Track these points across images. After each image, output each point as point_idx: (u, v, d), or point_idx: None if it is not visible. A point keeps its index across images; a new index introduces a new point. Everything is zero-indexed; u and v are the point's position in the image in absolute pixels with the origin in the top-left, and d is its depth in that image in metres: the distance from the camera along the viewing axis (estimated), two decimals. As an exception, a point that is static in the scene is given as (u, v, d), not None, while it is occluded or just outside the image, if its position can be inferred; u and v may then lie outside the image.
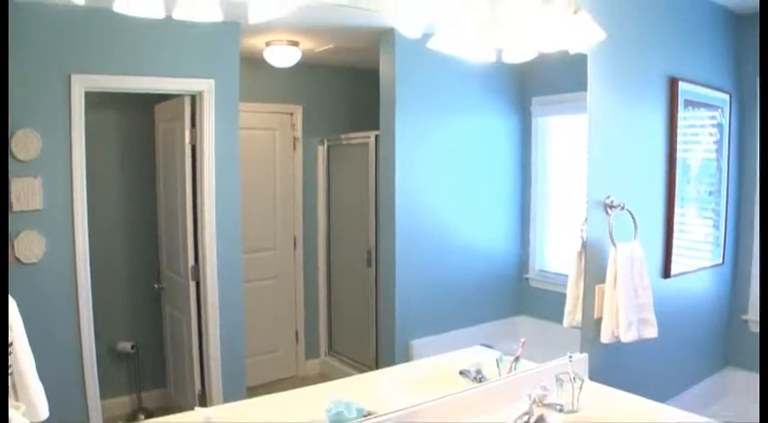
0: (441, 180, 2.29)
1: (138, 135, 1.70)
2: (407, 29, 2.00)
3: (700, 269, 3.55)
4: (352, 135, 2.15)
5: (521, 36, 2.10)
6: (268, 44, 1.86)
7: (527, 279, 2.68)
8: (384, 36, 2.06)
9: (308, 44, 1.94)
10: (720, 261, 3.72)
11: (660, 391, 3.21)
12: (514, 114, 2.55)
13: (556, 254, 2.73)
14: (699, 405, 3.51)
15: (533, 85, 2.60)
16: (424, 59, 2.08)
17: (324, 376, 2.03)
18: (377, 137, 2.14)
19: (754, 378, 3.76)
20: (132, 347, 1.66)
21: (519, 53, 2.23)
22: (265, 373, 1.93)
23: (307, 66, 1.95)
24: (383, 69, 2.11)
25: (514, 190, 2.59)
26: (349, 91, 2.15)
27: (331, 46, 2.03)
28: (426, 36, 2.01)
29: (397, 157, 2.12)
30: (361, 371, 2.10)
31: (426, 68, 2.17)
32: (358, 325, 2.20)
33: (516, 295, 2.66)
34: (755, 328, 3.85)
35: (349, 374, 2.06)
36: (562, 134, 2.74)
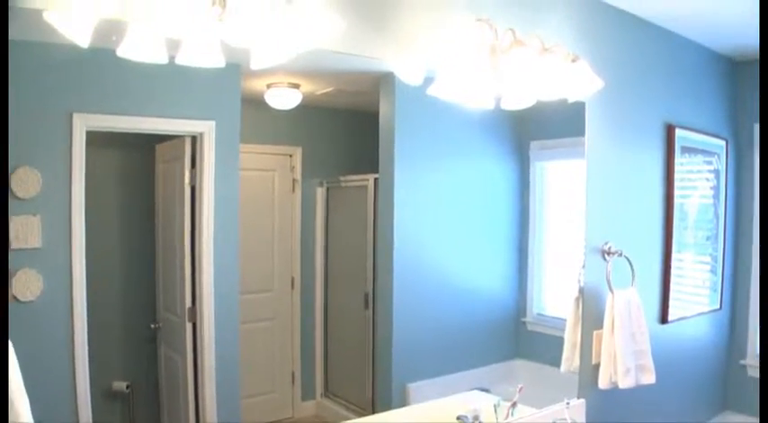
0: (439, 224, 2.30)
1: (139, 175, 1.71)
2: (407, 75, 2.04)
3: (697, 314, 3.56)
4: (351, 177, 2.17)
5: (520, 84, 2.11)
6: (269, 86, 1.89)
7: (524, 323, 2.68)
8: (384, 80, 2.08)
9: (308, 87, 1.97)
10: (718, 306, 3.73)
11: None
12: (513, 158, 2.58)
13: (553, 298, 2.74)
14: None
15: (532, 130, 2.63)
16: (424, 103, 2.10)
17: (319, 418, 2.02)
18: (376, 180, 2.16)
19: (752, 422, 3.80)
20: (127, 387, 1.66)
21: (518, 101, 2.25)
22: (261, 415, 1.92)
23: (307, 108, 1.97)
24: (383, 113, 2.13)
25: (512, 234, 2.60)
26: (349, 133, 2.17)
27: (331, 89, 2.06)
28: (427, 80, 2.04)
29: (395, 201, 2.13)
30: (357, 413, 2.08)
31: (426, 112, 2.20)
32: (354, 367, 2.19)
33: (514, 339, 2.66)
34: (754, 373, 3.85)
35: (345, 417, 2.04)
36: (560, 179, 2.77)
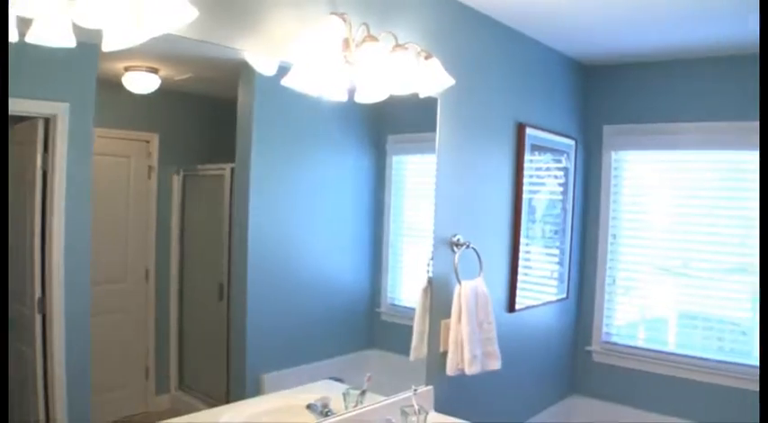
0: (295, 214, 2.34)
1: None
2: (260, 65, 2.11)
3: (545, 303, 3.84)
4: (208, 166, 2.16)
5: (372, 78, 2.21)
6: (127, 69, 1.86)
7: (379, 313, 2.78)
8: (243, 68, 2.10)
9: (167, 72, 1.95)
10: (565, 296, 4.04)
11: (507, 419, 3.45)
12: (370, 151, 2.66)
13: (408, 289, 2.86)
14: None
15: (389, 124, 2.72)
16: (284, 94, 2.13)
17: (174, 412, 2.00)
18: (233, 169, 2.17)
19: (598, 405, 4.15)
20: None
21: (371, 94, 2.35)
22: (114, 410, 1.89)
23: (165, 93, 1.95)
24: (241, 101, 2.15)
25: (369, 225, 2.68)
26: (208, 121, 2.15)
27: (190, 75, 2.05)
28: (285, 70, 2.10)
29: (251, 191, 2.16)
30: (213, 405, 2.10)
31: (285, 103, 2.22)
32: (210, 359, 2.19)
33: (368, 329, 2.75)
34: (599, 359, 4.21)
35: (200, 409, 2.06)
36: (417, 172, 2.89)
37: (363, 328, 2.73)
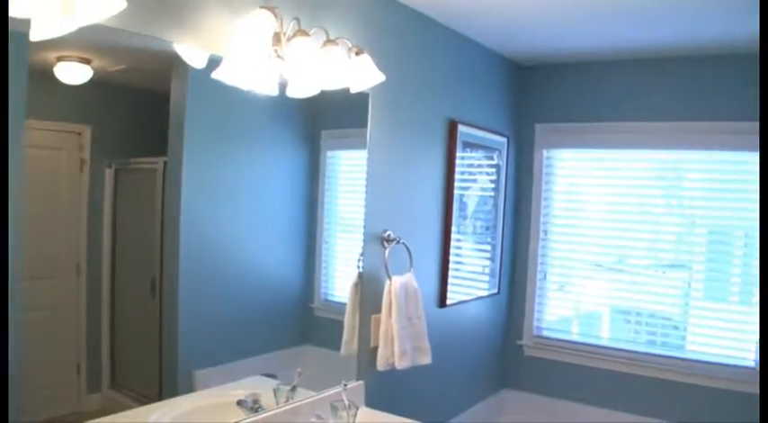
0: (229, 209, 2.35)
1: None
2: (191, 58, 2.11)
3: (476, 298, 3.94)
4: (141, 160, 2.14)
5: (303, 73, 2.23)
6: (59, 59, 1.84)
7: (312, 308, 2.81)
8: (176, 61, 2.09)
9: (100, 63, 1.94)
10: (497, 291, 4.14)
11: (439, 414, 3.54)
12: (305, 146, 2.68)
13: (342, 284, 2.90)
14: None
15: (324, 119, 2.75)
16: (217, 87, 2.13)
17: (105, 411, 1.98)
18: (166, 163, 2.16)
19: (530, 398, 4.32)
20: None
21: (302, 89, 2.37)
22: (45, 410, 1.87)
23: (98, 85, 1.93)
24: (174, 94, 2.15)
25: (303, 221, 2.71)
26: (141, 114, 2.13)
27: (123, 67, 2.03)
28: (217, 63, 2.11)
29: (183, 185, 2.16)
30: (145, 404, 2.09)
31: (219, 96, 2.22)
32: (142, 356, 2.18)
33: (302, 324, 2.77)
34: (530, 353, 4.34)
35: (131, 407, 2.05)
36: (351, 168, 2.93)
37: (297, 324, 2.75)
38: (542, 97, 4.30)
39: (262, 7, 2.12)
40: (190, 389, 2.22)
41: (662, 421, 3.89)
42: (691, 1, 2.85)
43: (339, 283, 2.92)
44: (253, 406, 2.35)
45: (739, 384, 3.70)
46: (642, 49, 3.75)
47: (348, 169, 2.92)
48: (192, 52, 2.12)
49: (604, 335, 4.24)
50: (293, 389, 2.50)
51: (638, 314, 4.10)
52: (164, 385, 2.18)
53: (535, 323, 4.39)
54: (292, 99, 2.41)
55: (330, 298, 2.90)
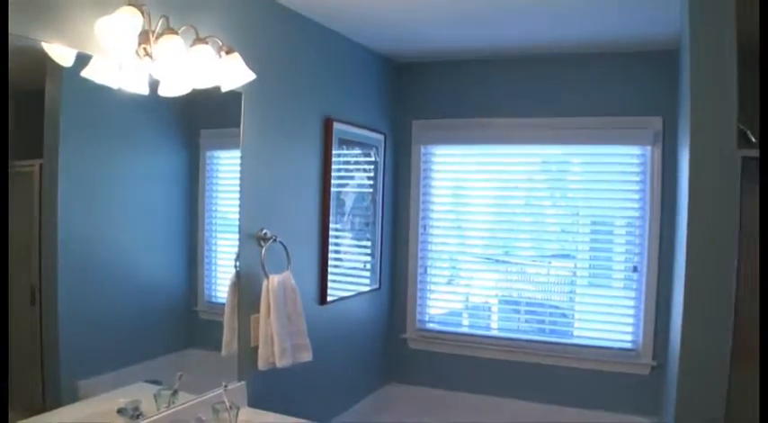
0: (108, 212, 2.30)
1: None
2: (59, 56, 2.06)
3: (358, 294, 4.01)
4: (17, 162, 2.02)
5: (171, 72, 2.22)
6: None
7: (196, 311, 2.79)
8: (49, 60, 2.04)
9: None
10: (377, 286, 4.22)
11: (325, 410, 3.59)
12: (184, 146, 2.66)
13: (223, 285, 2.90)
14: (364, 419, 3.98)
15: (202, 118, 2.73)
16: (93, 86, 2.11)
17: None
18: (42, 165, 2.09)
19: (417, 390, 4.39)
20: None
21: (172, 88, 2.37)
22: None
23: None
24: (48, 94, 2.08)
25: (183, 222, 2.69)
26: (17, 114, 2.00)
27: None
28: (87, 61, 2.09)
29: (60, 187, 2.10)
30: (29, 416, 2.03)
31: (95, 96, 2.18)
32: (24, 368, 2.08)
33: (186, 328, 2.75)
34: (414, 346, 4.45)
35: (15, 420, 1.98)
36: (230, 167, 2.91)
37: (182, 328, 2.73)
38: (419, 94, 4.41)
39: (129, 4, 2.09)
40: (74, 399, 2.17)
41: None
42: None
43: (222, 284, 2.90)
44: (133, 414, 2.32)
45: (621, 366, 3.97)
46: (519, 47, 3.91)
47: (227, 169, 2.91)
48: (59, 50, 2.06)
49: (494, 326, 4.41)
50: (174, 393, 2.48)
51: (528, 304, 4.30)
52: (47, 397, 2.12)
53: (418, 316, 4.51)
54: (170, 98, 2.39)
55: (214, 300, 2.88)
